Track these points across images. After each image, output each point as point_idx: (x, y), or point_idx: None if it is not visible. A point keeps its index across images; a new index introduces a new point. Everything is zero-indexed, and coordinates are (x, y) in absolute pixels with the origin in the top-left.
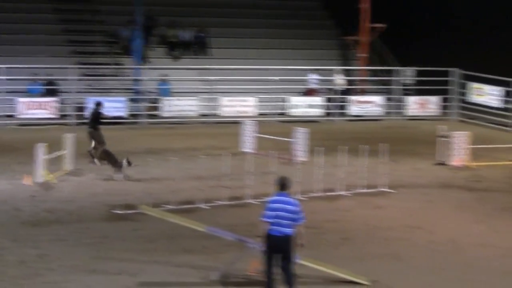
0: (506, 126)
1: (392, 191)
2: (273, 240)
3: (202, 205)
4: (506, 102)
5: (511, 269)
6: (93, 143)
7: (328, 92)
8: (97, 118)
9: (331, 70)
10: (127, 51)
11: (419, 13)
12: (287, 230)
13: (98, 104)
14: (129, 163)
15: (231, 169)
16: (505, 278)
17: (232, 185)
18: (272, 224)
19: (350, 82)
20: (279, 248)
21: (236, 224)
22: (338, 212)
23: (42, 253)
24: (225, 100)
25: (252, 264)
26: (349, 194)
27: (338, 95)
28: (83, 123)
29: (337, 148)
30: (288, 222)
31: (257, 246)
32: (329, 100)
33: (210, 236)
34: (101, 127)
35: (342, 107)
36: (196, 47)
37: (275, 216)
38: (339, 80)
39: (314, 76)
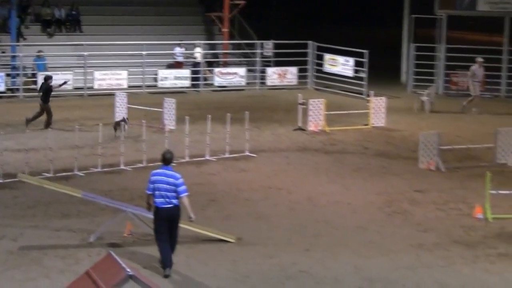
0: (358, 93)
1: (255, 155)
2: (163, 212)
3: (78, 173)
4: (358, 71)
5: (362, 224)
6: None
7: (194, 64)
8: (48, 92)
9: (199, 44)
10: (3, 29)
11: None
12: (174, 201)
13: (48, 78)
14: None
15: (105, 138)
16: (357, 231)
17: (106, 153)
18: (158, 196)
19: (214, 55)
20: (169, 218)
21: (110, 190)
22: (205, 176)
23: None
24: (98, 74)
25: (127, 226)
26: (215, 159)
27: (200, 67)
28: None
29: (203, 117)
30: (172, 194)
31: (134, 210)
32: (194, 72)
33: (86, 201)
34: None
35: (206, 79)
36: (69, 24)
37: (155, 188)
38: (198, 54)
39: (180, 50)
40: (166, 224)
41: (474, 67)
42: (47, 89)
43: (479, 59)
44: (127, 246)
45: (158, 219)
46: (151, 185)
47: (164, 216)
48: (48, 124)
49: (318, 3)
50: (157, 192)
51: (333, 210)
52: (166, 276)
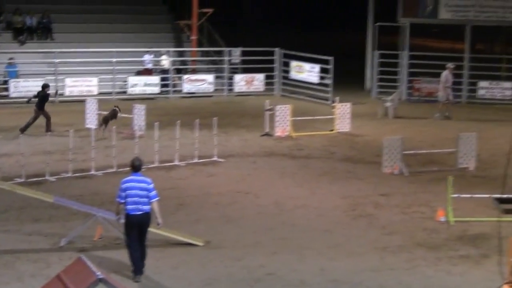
0: (324, 99)
1: (223, 160)
2: (134, 219)
3: (50, 178)
4: (324, 78)
5: (328, 227)
6: (33, 119)
7: (161, 71)
8: (44, 100)
9: (165, 51)
10: None
11: None
12: (146, 208)
13: (45, 87)
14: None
15: (76, 144)
16: (324, 234)
17: (77, 159)
18: (130, 203)
19: (182, 62)
20: (140, 225)
21: (81, 194)
22: (174, 180)
23: None
24: (69, 81)
25: (97, 230)
26: (184, 164)
27: (168, 74)
28: None
29: (172, 123)
30: (145, 199)
31: (105, 214)
32: (163, 79)
33: (57, 206)
34: None
35: (175, 85)
36: (40, 32)
37: (128, 195)
38: (165, 61)
39: (149, 57)
40: (136, 230)
41: (446, 73)
42: (43, 96)
43: (450, 65)
44: (97, 250)
45: (129, 226)
46: (123, 193)
47: (135, 223)
48: (23, 129)
49: (285, 11)
50: (129, 199)
51: (300, 213)
52: (136, 281)
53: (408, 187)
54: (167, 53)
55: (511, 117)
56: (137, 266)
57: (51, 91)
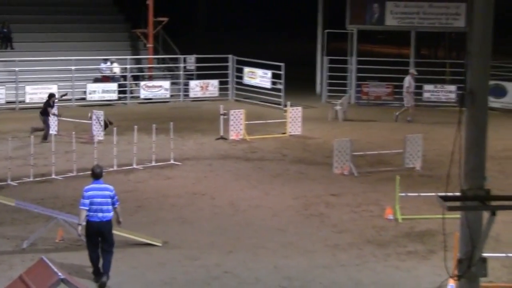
0: (276, 104)
1: (179, 163)
2: (94, 226)
3: (11, 182)
4: (276, 83)
5: (281, 226)
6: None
7: (113, 78)
8: (46, 107)
9: (123, 59)
10: None
11: (197, 7)
12: (107, 215)
13: (51, 96)
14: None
15: (37, 149)
16: (277, 233)
17: (38, 164)
18: (91, 211)
19: (139, 69)
20: (100, 232)
21: (42, 198)
22: (133, 183)
23: None
24: (29, 88)
25: (59, 233)
26: (142, 168)
27: (121, 81)
28: None
29: (130, 128)
30: (107, 207)
31: (65, 217)
32: (120, 85)
33: (19, 209)
34: None
35: (133, 92)
36: (1, 42)
37: (91, 203)
38: (116, 69)
39: (105, 65)
40: (96, 236)
41: (408, 78)
42: (48, 105)
43: (413, 71)
44: (59, 251)
45: (90, 233)
46: (87, 201)
47: (94, 228)
48: (45, 138)
49: (238, 19)
50: (91, 207)
51: (254, 213)
52: (96, 282)
53: (357, 187)
54: (117, 60)
55: (455, 119)
56: (97, 268)
57: (57, 95)
